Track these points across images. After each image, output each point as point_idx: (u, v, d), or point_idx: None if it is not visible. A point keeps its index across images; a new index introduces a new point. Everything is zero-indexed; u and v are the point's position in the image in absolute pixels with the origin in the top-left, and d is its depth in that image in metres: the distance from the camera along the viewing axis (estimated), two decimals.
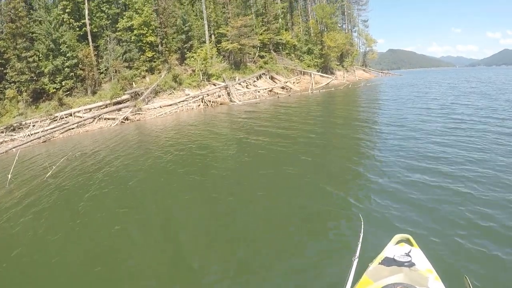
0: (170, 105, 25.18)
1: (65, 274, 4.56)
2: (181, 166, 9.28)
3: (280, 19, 40.95)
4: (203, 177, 8.14)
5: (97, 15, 27.36)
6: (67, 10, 25.80)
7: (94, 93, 24.55)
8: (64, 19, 25.37)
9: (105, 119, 22.16)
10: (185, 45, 30.66)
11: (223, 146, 11.65)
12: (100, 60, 26.66)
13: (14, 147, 17.26)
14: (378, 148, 8.81)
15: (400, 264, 2.83)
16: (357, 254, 3.13)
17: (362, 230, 3.60)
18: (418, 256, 2.99)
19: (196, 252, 4.72)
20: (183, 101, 25.89)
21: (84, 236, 5.67)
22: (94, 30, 27.09)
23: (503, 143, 8.00)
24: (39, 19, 24.38)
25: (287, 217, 5.42)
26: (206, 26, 32.56)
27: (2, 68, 22.31)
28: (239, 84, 30.72)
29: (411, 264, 2.83)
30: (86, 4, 26.11)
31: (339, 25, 56.18)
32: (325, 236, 4.77)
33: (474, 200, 5.05)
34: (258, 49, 35.40)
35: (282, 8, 42.37)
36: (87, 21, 26.31)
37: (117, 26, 27.85)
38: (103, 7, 27.55)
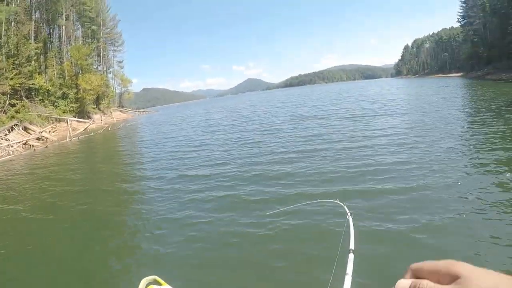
0: None
1: None
2: None
3: (33, 61, 38.93)
4: None
5: None
6: None
7: None
8: None
9: None
10: None
11: None
12: None
13: None
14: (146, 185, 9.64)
15: None
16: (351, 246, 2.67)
17: (350, 216, 3.20)
18: None
19: None
20: None
21: None
22: None
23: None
24: None
25: None
26: None
27: None
28: None
29: None
30: None
31: (95, 67, 57.56)
32: None
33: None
34: (9, 96, 33.34)
35: (36, 49, 40.52)
36: None
37: None
38: None
